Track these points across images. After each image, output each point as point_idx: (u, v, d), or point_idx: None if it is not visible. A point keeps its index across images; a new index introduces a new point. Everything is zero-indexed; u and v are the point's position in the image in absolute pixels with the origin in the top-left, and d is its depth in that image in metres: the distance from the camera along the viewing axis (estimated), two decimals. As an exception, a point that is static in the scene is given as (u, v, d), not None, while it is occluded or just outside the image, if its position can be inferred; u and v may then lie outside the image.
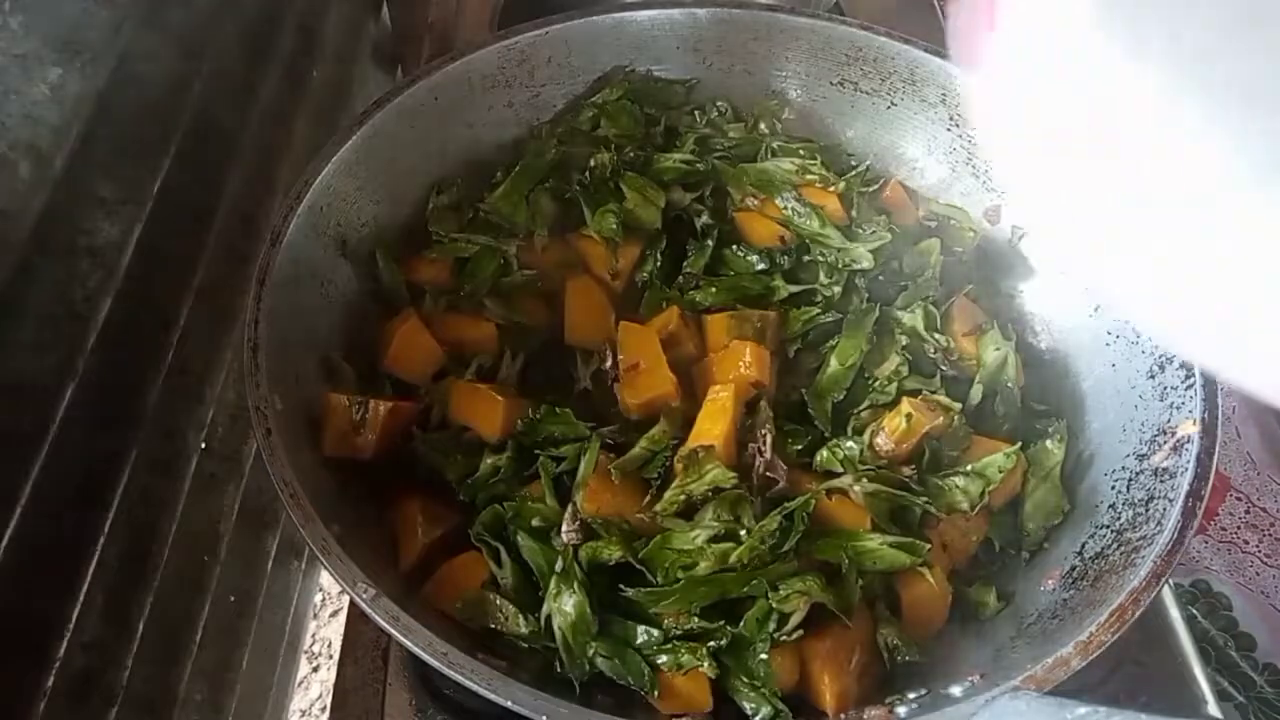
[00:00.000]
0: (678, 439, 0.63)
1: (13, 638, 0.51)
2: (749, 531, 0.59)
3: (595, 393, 0.70)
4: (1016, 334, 0.75)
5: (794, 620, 0.57)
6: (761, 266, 0.77)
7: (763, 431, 0.64)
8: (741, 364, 0.67)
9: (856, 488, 0.61)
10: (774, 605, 0.57)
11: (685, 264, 0.77)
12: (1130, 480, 0.62)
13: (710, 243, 0.77)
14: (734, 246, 0.78)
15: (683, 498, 0.60)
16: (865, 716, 0.54)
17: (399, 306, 0.74)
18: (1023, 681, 0.50)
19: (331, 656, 1.09)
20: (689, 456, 0.61)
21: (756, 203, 0.80)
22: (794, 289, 0.75)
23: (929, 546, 0.60)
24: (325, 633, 1.14)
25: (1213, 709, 0.72)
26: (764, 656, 0.56)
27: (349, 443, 0.64)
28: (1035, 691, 0.49)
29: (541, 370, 0.73)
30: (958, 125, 0.81)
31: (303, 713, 1.07)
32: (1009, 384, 0.72)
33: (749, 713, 0.56)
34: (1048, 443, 0.67)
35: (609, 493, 0.60)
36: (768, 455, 0.63)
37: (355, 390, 0.67)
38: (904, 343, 0.72)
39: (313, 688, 1.10)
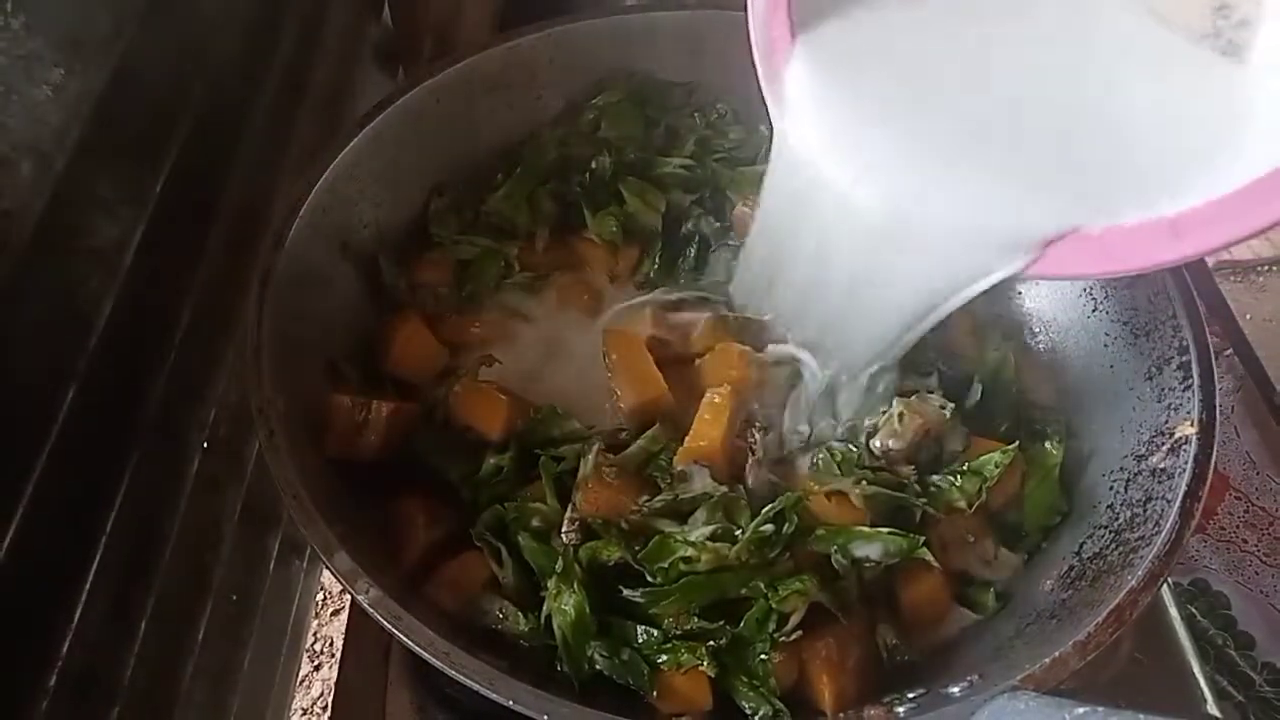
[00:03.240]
0: (675, 440, 0.64)
1: (15, 637, 0.51)
2: (743, 530, 0.59)
3: (594, 395, 0.70)
4: (1016, 334, 0.75)
5: (793, 620, 0.57)
6: None
7: (755, 432, 0.64)
8: (729, 365, 0.68)
9: (856, 489, 0.61)
10: (773, 605, 0.57)
11: (679, 262, 0.78)
12: (1128, 481, 0.62)
13: (694, 247, 0.78)
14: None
15: (672, 497, 0.61)
16: (864, 716, 0.55)
17: (401, 308, 0.74)
18: (1021, 681, 0.50)
19: (333, 655, 1.10)
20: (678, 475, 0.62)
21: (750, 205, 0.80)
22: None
23: (924, 539, 0.60)
24: (327, 631, 1.14)
25: (1212, 708, 0.72)
26: (764, 656, 0.57)
27: (351, 443, 0.64)
28: (1034, 691, 0.49)
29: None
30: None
31: (304, 711, 1.08)
32: (1008, 384, 0.72)
33: (748, 712, 0.57)
34: (1046, 443, 0.68)
35: (608, 493, 0.61)
36: (759, 455, 0.63)
37: (358, 391, 0.67)
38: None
39: (314, 686, 1.10)
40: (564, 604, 0.57)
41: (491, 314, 0.76)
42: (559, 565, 0.58)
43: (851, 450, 0.65)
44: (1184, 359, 0.63)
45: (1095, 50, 0.54)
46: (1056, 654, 0.51)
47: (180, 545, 0.66)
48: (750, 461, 0.64)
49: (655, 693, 0.56)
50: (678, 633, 0.58)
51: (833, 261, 0.59)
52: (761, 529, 0.58)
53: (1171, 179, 0.48)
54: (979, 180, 0.52)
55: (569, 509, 0.61)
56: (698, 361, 0.70)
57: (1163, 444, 0.61)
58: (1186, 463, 0.58)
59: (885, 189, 0.53)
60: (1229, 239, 0.45)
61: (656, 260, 0.78)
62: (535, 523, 0.62)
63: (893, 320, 0.59)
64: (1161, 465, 0.60)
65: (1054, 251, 0.51)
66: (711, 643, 0.57)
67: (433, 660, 0.50)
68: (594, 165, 0.81)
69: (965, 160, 0.52)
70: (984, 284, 0.54)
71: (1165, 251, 0.47)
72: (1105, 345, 0.71)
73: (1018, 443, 0.66)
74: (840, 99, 0.54)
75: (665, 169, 0.82)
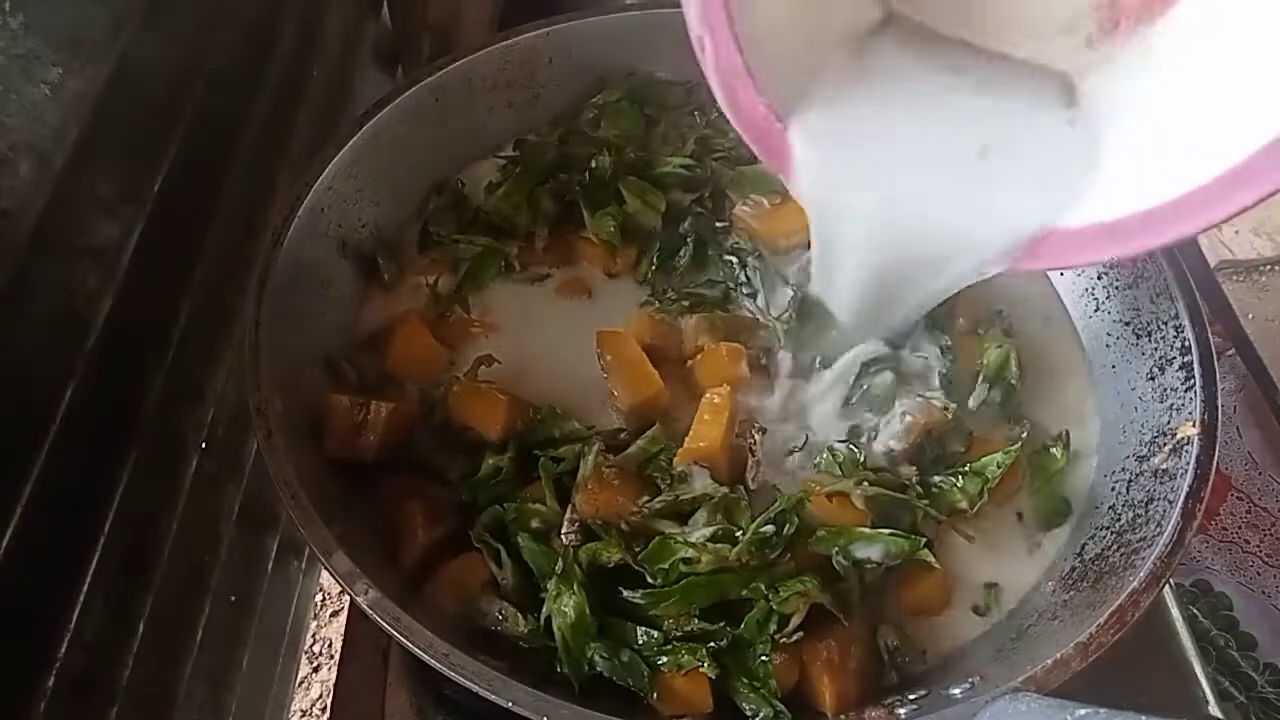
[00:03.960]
0: (674, 440, 0.63)
1: (13, 638, 0.51)
2: (744, 531, 0.59)
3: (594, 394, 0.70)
4: (1018, 333, 0.75)
5: (794, 622, 0.57)
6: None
7: (755, 433, 0.64)
8: (722, 365, 0.68)
9: (857, 490, 0.61)
10: (774, 607, 0.57)
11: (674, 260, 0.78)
12: (1130, 482, 0.62)
13: (688, 248, 0.78)
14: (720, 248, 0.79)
15: (673, 498, 0.61)
16: (865, 717, 0.54)
17: (400, 307, 0.74)
18: (1023, 682, 0.50)
19: (332, 656, 1.10)
20: (678, 475, 0.62)
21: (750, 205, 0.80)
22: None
23: (925, 540, 0.60)
24: (326, 633, 1.14)
25: (1213, 709, 0.72)
26: (764, 658, 0.56)
27: (350, 444, 0.64)
28: (1036, 692, 0.49)
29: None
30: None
31: (303, 713, 1.08)
32: (1011, 383, 0.72)
33: (749, 714, 0.56)
34: (1048, 444, 0.67)
35: (608, 494, 0.60)
36: (759, 456, 0.63)
37: (356, 391, 0.67)
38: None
39: (313, 688, 1.10)
40: (564, 605, 0.57)
41: (491, 313, 0.76)
42: (559, 566, 0.58)
43: (853, 451, 0.64)
44: (1186, 359, 0.63)
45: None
46: (1058, 655, 0.51)
47: (178, 545, 0.66)
48: (750, 462, 0.63)
49: (655, 694, 0.56)
50: (678, 634, 0.57)
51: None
52: (762, 530, 0.58)
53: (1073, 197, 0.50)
54: (947, 204, 0.54)
55: (569, 510, 0.61)
56: (690, 362, 0.70)
57: (1165, 445, 0.61)
58: (1188, 463, 0.58)
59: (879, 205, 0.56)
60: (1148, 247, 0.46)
61: (655, 259, 0.78)
62: (535, 524, 0.62)
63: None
64: (1163, 466, 0.60)
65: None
66: (712, 644, 0.56)
67: (432, 661, 0.50)
68: (594, 164, 0.81)
69: (940, 191, 0.55)
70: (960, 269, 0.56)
71: (1103, 250, 0.49)
72: (1107, 345, 0.71)
73: (1020, 443, 0.66)
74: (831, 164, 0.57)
75: (665, 168, 0.82)
